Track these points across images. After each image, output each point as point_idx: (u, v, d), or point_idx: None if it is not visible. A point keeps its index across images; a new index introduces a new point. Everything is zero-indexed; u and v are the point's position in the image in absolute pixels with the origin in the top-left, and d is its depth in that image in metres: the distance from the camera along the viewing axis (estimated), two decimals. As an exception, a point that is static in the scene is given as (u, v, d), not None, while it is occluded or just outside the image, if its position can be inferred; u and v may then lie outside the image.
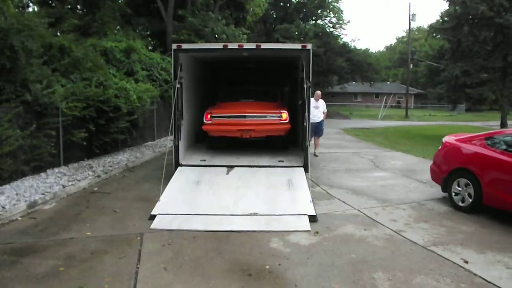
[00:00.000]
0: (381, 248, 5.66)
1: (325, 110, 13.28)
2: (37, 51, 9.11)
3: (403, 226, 6.57)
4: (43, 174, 9.45)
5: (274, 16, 45.35)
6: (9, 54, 8.21)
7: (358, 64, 42.81)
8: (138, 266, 4.98)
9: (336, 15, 44.77)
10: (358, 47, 52.34)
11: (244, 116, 9.99)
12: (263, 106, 10.47)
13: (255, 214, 6.79)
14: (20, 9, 9.07)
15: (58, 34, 13.94)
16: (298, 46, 9.03)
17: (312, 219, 6.69)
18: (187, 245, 5.67)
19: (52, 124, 9.78)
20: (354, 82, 56.25)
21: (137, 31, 22.05)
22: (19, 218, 6.78)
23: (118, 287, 4.43)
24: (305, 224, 6.46)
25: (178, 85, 8.91)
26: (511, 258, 5.31)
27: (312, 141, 12.98)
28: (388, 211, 7.41)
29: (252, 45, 8.98)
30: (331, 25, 45.11)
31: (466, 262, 5.18)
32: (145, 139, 16.40)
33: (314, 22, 44.77)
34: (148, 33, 24.14)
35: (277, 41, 40.17)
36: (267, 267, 4.98)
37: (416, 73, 69.78)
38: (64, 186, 8.67)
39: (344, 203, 7.94)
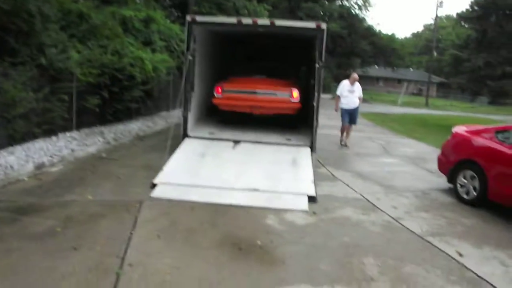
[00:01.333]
0: (377, 234, 5.64)
1: (361, 95, 11.91)
2: (54, 16, 9.13)
3: (403, 214, 6.52)
4: (54, 137, 9.59)
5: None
6: (26, 18, 8.26)
7: (382, 49, 42.20)
8: (132, 232, 5.07)
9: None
10: (383, 32, 51.35)
11: (255, 92, 9.94)
12: (274, 83, 10.34)
13: (255, 189, 6.82)
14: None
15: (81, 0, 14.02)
16: (312, 25, 8.87)
17: (312, 199, 6.68)
18: (183, 215, 5.75)
19: (66, 89, 9.87)
20: (376, 67, 55.48)
21: (158, 1, 21.89)
22: (26, 179, 6.93)
23: (109, 250, 4.52)
24: (304, 204, 6.47)
25: (190, 57, 8.89)
26: (508, 255, 5.23)
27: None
28: (391, 198, 7.36)
29: (266, 22, 8.89)
30: (356, 7, 44.22)
31: (461, 255, 5.12)
32: (159, 109, 16.49)
33: (340, 3, 43.95)
34: (171, 3, 23.97)
35: (300, 20, 39.74)
36: (259, 242, 5.02)
37: (441, 62, 68.33)
38: (73, 150, 8.82)
39: (347, 186, 7.91)
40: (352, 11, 43.91)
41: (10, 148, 8.20)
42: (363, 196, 7.31)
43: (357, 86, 11.68)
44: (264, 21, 9.08)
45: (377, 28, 47.17)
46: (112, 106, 12.17)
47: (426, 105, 41.49)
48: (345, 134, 12.16)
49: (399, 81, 63.86)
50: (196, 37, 9.25)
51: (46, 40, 9.01)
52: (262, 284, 4.05)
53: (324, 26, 8.74)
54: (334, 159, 10.28)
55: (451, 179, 7.87)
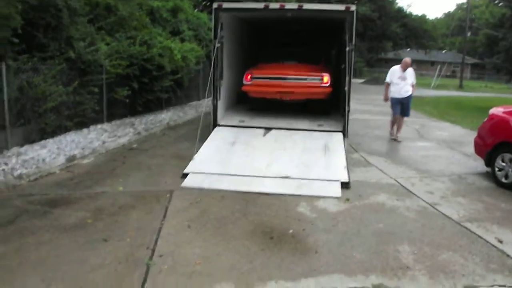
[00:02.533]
0: (412, 220, 5.45)
1: (414, 82, 10.47)
2: (82, 9, 9.19)
3: (438, 199, 6.29)
4: (85, 130, 9.74)
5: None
6: (54, 13, 8.34)
7: (413, 30, 41.10)
8: (163, 222, 5.07)
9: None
10: (414, 13, 49.99)
11: (285, 78, 9.84)
12: (304, 68, 10.22)
13: (286, 177, 6.73)
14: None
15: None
16: (341, 7, 8.63)
17: (345, 185, 6.55)
18: (214, 204, 5.71)
19: (96, 82, 9.99)
20: (408, 49, 54.09)
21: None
22: (57, 171, 7.04)
23: (140, 241, 4.52)
24: (336, 190, 6.33)
25: (218, 45, 8.82)
26: None
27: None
28: (426, 183, 7.13)
29: (294, 5, 8.71)
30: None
31: (501, 241, 4.87)
32: (190, 98, 16.54)
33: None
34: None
35: (329, 3, 39.11)
36: (291, 231, 4.92)
37: (475, 42, 65.95)
38: (104, 142, 8.92)
39: (381, 171, 7.71)
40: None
41: (42, 142, 8.40)
42: (397, 182, 7.10)
43: (410, 72, 10.32)
44: (291, 5, 8.91)
45: (408, 9, 45.85)
46: (142, 97, 12.28)
47: (460, 87, 40.21)
48: (395, 127, 10.79)
49: (433, 63, 62.01)
50: (224, 24, 9.16)
51: (74, 34, 9.12)
52: (293, 273, 3.96)
53: (353, 8, 8.50)
54: (367, 143, 10.07)
55: (489, 162, 7.55)
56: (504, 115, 7.53)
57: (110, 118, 11.15)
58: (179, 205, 5.66)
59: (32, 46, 8.38)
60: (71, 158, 7.61)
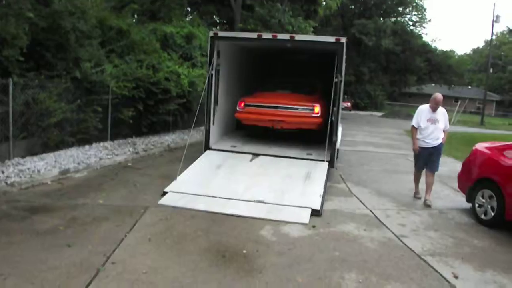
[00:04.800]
0: (370, 250, 5.54)
1: (448, 127, 8.24)
2: (89, 32, 9.79)
3: (408, 232, 6.34)
4: (87, 146, 10.20)
5: (353, 11, 44.48)
6: (62, 34, 8.94)
7: (437, 65, 41.10)
8: (127, 234, 5.36)
9: (419, 12, 42.98)
10: (440, 48, 50.02)
11: (276, 107, 9.95)
12: (297, 98, 10.32)
13: (260, 201, 6.94)
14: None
15: (133, 17, 14.84)
16: (331, 39, 8.92)
17: (315, 213, 6.69)
18: (181, 222, 5.97)
19: (100, 101, 10.50)
20: (432, 84, 53.93)
21: (203, 18, 22.70)
22: (49, 182, 7.48)
23: (99, 249, 4.82)
24: (305, 217, 6.49)
25: (212, 71, 9.23)
26: (511, 280, 4.93)
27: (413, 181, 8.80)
28: (402, 215, 7.20)
29: (285, 36, 9.07)
30: (411, 23, 43.46)
31: (456, 277, 4.89)
32: (198, 123, 16.80)
33: (394, 19, 43.39)
34: (218, 20, 24.79)
35: (353, 37, 39.63)
36: (244, 251, 5.11)
37: (501, 79, 65.32)
38: (100, 159, 9.34)
39: (360, 202, 7.82)
40: (407, 27, 43.22)
41: (43, 155, 8.86)
42: (372, 212, 7.21)
43: (442, 113, 8.10)
44: (283, 36, 9.26)
45: (434, 44, 45.99)
46: (147, 119, 12.75)
47: (482, 124, 39.74)
48: (419, 185, 8.64)
49: (457, 99, 61.55)
50: (221, 51, 9.58)
51: (81, 55, 9.67)
52: (230, 290, 4.16)
53: (343, 40, 8.77)
54: (357, 175, 10.19)
55: (470, 198, 7.59)
56: (486, 150, 7.60)
57: (114, 137, 11.61)
58: (148, 220, 5.95)
59: (41, 65, 8.97)
60: (65, 171, 8.04)
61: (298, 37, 9.07)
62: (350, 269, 4.88)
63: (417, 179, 8.62)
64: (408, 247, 5.74)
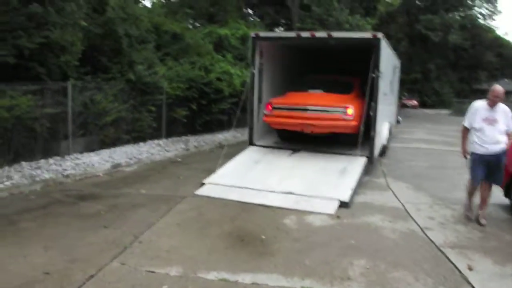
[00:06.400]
0: (388, 240, 5.63)
1: (511, 129, 6.37)
2: (142, 36, 10.60)
3: (434, 225, 6.30)
4: (141, 143, 11.04)
5: (419, 6, 43.04)
6: (116, 40, 9.80)
7: (510, 60, 38.78)
8: (159, 219, 5.94)
9: (489, 4, 40.78)
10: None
11: (306, 109, 9.16)
12: (330, 98, 9.51)
13: (290, 193, 7.24)
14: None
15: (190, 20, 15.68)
16: (368, 35, 9.02)
17: (344, 205, 6.86)
18: (212, 210, 6.46)
19: (154, 101, 11.32)
20: (505, 79, 50.96)
21: (260, 19, 23.26)
22: (101, 175, 8.31)
23: (131, 231, 5.44)
24: (331, 208, 6.69)
25: (254, 71, 9.64)
26: None
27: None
28: (434, 209, 7.11)
29: (323, 34, 9.24)
30: (481, 16, 41.35)
31: (470, 269, 4.81)
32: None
33: (462, 13, 41.51)
34: (276, 21, 25.24)
35: (419, 33, 38.46)
36: (263, 237, 5.46)
37: None
38: (152, 154, 10.11)
39: (394, 195, 7.84)
40: (477, 21, 41.20)
41: (100, 151, 9.75)
42: (403, 206, 7.20)
43: (502, 111, 6.33)
44: (321, 34, 9.41)
45: (506, 38, 43.35)
46: (201, 117, 13.46)
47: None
48: (473, 199, 6.86)
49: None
50: (264, 51, 9.96)
51: (135, 58, 10.49)
52: (238, 269, 4.51)
53: (380, 35, 8.79)
54: (401, 170, 10.13)
55: (507, 193, 7.38)
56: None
57: (169, 135, 12.41)
58: (182, 208, 6.51)
59: (98, 68, 9.89)
60: (116, 165, 8.84)
61: (335, 34, 9.20)
62: (361, 256, 5.04)
63: (471, 194, 6.80)
64: (429, 239, 5.74)
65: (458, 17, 38.71)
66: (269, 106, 9.63)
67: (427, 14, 38.62)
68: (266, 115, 9.74)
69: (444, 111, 36.21)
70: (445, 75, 41.55)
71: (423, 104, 41.43)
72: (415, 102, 40.18)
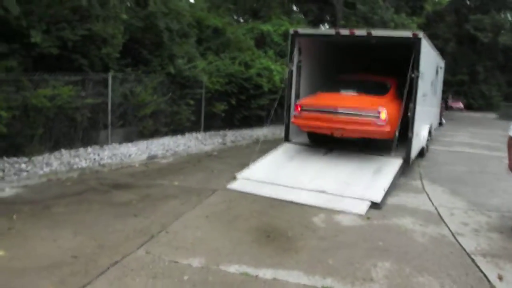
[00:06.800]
0: (417, 244, 5.51)
1: None
2: (183, 30, 10.78)
3: (467, 231, 6.09)
4: (179, 136, 11.26)
5: (469, 6, 41.51)
6: (157, 33, 10.01)
7: None
8: (189, 211, 6.07)
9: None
10: None
11: (336, 112, 8.55)
12: (362, 100, 8.94)
13: (322, 191, 7.20)
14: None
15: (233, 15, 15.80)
16: (408, 34, 8.75)
17: (375, 206, 6.78)
18: (242, 205, 6.53)
19: (194, 95, 11.52)
20: None
21: (305, 16, 23.14)
22: (137, 165, 8.57)
23: (160, 220, 5.60)
24: (362, 208, 6.62)
25: (292, 68, 9.62)
26: None
27: None
28: (468, 215, 6.89)
29: (363, 32, 9.05)
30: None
31: (500, 278, 4.65)
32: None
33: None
34: (320, 18, 25.06)
35: (468, 33, 37.15)
36: (290, 234, 5.49)
37: None
38: (188, 147, 10.30)
39: (429, 198, 7.63)
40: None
41: (138, 142, 10.02)
42: (436, 210, 7.02)
43: None
44: (361, 32, 9.19)
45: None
46: (240, 113, 13.57)
47: None
48: None
49: None
50: (302, 47, 9.92)
51: (175, 52, 10.69)
52: (261, 263, 4.56)
53: (421, 34, 8.58)
54: (439, 173, 9.82)
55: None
56: None
57: (207, 128, 12.59)
58: (212, 201, 6.62)
59: (138, 61, 10.14)
60: (152, 157, 9.07)
61: (375, 32, 9.02)
62: (387, 258, 4.96)
63: None
64: (460, 245, 5.56)
65: (510, 18, 37.08)
66: (298, 108, 9.14)
67: (477, 14, 37.22)
68: (295, 117, 9.28)
69: (491, 115, 34.78)
70: (494, 77, 39.89)
71: (469, 107, 39.95)
72: (460, 105, 38.76)
